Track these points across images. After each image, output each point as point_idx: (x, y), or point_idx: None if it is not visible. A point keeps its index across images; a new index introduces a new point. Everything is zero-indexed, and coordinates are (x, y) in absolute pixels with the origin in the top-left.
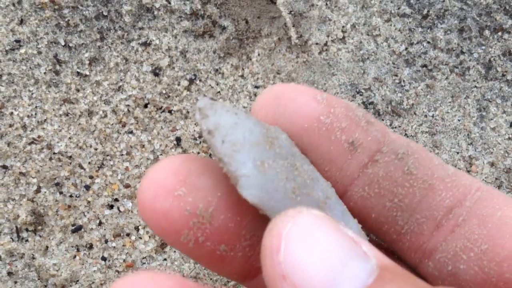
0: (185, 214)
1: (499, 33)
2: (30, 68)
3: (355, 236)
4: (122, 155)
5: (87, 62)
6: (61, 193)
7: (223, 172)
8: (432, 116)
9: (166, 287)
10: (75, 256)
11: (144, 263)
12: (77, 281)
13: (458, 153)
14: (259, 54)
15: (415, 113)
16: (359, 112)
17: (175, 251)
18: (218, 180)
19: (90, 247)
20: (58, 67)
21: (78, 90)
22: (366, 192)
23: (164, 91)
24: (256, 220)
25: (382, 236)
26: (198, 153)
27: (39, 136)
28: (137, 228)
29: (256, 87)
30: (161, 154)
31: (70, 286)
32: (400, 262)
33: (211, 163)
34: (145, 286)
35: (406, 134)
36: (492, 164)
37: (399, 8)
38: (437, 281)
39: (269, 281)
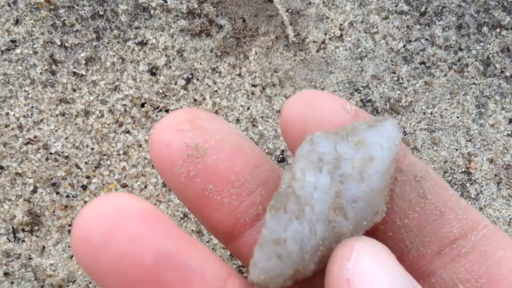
0: (182, 145)
1: (497, 30)
2: (26, 68)
3: (408, 274)
4: (119, 154)
5: (83, 62)
6: (57, 193)
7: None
8: (431, 113)
9: (138, 207)
10: (72, 256)
11: None
12: (74, 281)
13: (457, 149)
14: (256, 53)
15: (413, 110)
16: None
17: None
18: (222, 129)
19: None
20: (54, 67)
21: (74, 90)
22: None
23: (161, 91)
24: (246, 173)
25: (387, 244)
26: None
27: (35, 136)
28: None
29: (254, 85)
30: None
31: (67, 286)
32: None
33: (221, 118)
34: (120, 205)
35: (405, 132)
36: (491, 161)
37: (396, 6)
38: None
39: (333, 284)
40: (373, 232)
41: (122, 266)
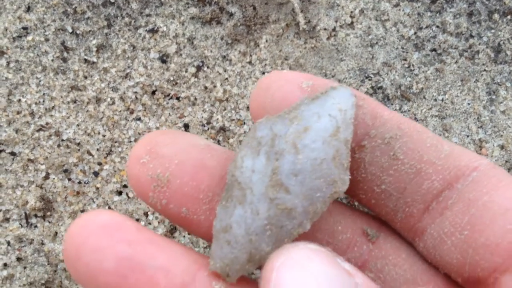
0: (147, 178)
1: (508, 17)
2: (38, 55)
3: (352, 269)
4: (130, 141)
5: (95, 49)
6: (69, 179)
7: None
8: (442, 100)
9: (101, 221)
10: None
11: None
12: None
13: (468, 136)
14: (267, 41)
15: (424, 97)
16: None
17: (184, 236)
18: (180, 150)
19: None
20: (65, 54)
21: (85, 77)
22: (353, 177)
23: (171, 78)
24: (213, 187)
25: (379, 215)
26: (206, 138)
27: (47, 123)
28: (146, 214)
29: (264, 73)
30: None
31: None
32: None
33: (181, 136)
34: (87, 221)
35: (416, 118)
36: (502, 147)
37: None
38: (427, 260)
39: None
40: (359, 201)
41: (90, 273)
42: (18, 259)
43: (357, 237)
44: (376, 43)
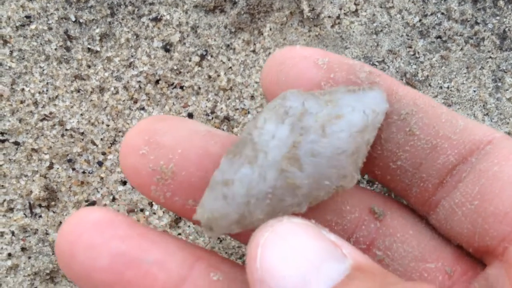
0: (149, 171)
1: None
2: (41, 44)
3: (338, 240)
4: None
5: (98, 38)
6: (73, 169)
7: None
8: (447, 88)
9: (93, 218)
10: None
11: None
12: None
13: None
14: (270, 29)
15: (430, 85)
16: (362, 73)
17: (189, 226)
18: (182, 138)
19: None
20: (69, 43)
21: (89, 66)
22: (369, 154)
23: (175, 67)
24: None
25: (393, 190)
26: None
27: (50, 113)
28: (151, 204)
29: None
30: None
31: None
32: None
33: (180, 122)
34: (80, 218)
35: None
36: (508, 134)
37: None
38: (440, 233)
39: (250, 286)
40: (374, 177)
41: (85, 271)
42: (23, 249)
43: (364, 216)
44: (381, 30)
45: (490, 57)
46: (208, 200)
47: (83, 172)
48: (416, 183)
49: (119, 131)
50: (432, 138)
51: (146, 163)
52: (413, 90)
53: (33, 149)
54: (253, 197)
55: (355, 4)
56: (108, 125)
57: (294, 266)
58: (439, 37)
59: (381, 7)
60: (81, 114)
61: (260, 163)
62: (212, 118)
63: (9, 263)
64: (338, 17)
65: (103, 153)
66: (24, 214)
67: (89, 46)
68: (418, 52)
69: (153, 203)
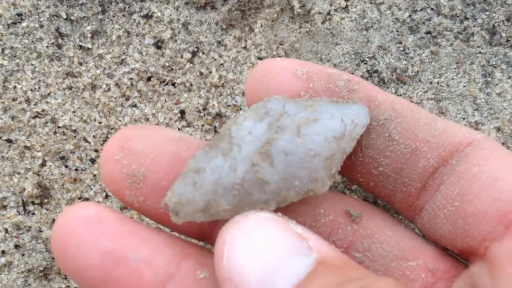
0: (122, 176)
1: None
2: (32, 41)
3: (304, 232)
4: None
5: (89, 35)
6: (66, 166)
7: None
8: (437, 83)
9: (84, 214)
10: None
11: None
12: None
13: (464, 118)
14: (261, 25)
15: (420, 80)
16: (340, 81)
17: None
18: (155, 144)
19: None
20: (60, 40)
21: (80, 64)
22: (352, 161)
23: (167, 64)
24: None
25: (378, 196)
26: (203, 125)
27: (43, 110)
28: None
29: (259, 58)
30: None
31: None
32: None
33: (154, 129)
34: (73, 214)
35: (411, 102)
36: (498, 129)
37: None
38: (425, 237)
39: (219, 284)
40: (358, 184)
41: (77, 267)
42: (16, 246)
43: (340, 218)
44: (371, 26)
45: (480, 52)
46: (178, 186)
47: (76, 169)
48: (399, 188)
49: (111, 128)
50: (411, 142)
51: (120, 168)
52: (391, 96)
53: (25, 147)
54: (221, 187)
55: (345, 0)
56: (100, 122)
57: (259, 262)
58: (429, 32)
59: (371, 3)
60: (73, 112)
61: (233, 155)
62: (204, 115)
63: (2, 260)
64: (328, 13)
65: (96, 150)
66: (18, 211)
67: (80, 44)
68: (408, 48)
69: None
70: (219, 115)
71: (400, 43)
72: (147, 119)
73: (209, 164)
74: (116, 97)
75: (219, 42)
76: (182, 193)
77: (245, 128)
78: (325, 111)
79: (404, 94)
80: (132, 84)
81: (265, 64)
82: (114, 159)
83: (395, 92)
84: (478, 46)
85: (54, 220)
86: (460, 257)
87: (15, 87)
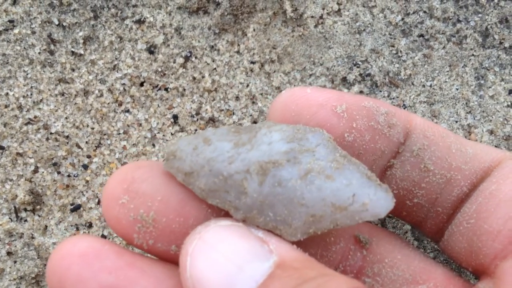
0: (130, 220)
1: (495, 0)
2: (25, 48)
3: (265, 236)
4: (119, 134)
5: (82, 41)
6: (59, 172)
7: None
8: (430, 86)
9: (79, 249)
10: (74, 235)
11: None
12: None
13: (457, 121)
14: (254, 30)
15: (413, 84)
16: (380, 117)
17: None
18: (160, 184)
19: (90, 225)
20: (52, 46)
21: (73, 70)
22: None
23: (159, 69)
24: (201, 219)
25: (407, 223)
26: (196, 130)
27: (35, 117)
28: None
29: (252, 62)
30: (158, 132)
31: None
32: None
33: (157, 167)
34: (67, 249)
35: (404, 105)
36: (491, 132)
37: None
38: (448, 256)
39: None
40: (392, 211)
41: None
42: (8, 253)
43: (350, 245)
44: (364, 30)
45: (473, 54)
46: (183, 141)
47: (68, 176)
48: (432, 216)
49: (104, 134)
50: (446, 172)
51: (127, 212)
52: (422, 121)
53: (18, 153)
54: (210, 167)
55: (337, 3)
56: (93, 128)
57: (220, 272)
58: (421, 35)
59: (363, 6)
60: (66, 118)
61: (240, 150)
62: (197, 120)
63: None
64: (321, 17)
65: (88, 156)
66: (10, 218)
67: (72, 50)
68: (401, 51)
69: None
70: (212, 119)
71: (393, 46)
72: (140, 124)
73: (218, 142)
74: (108, 103)
75: (212, 46)
76: (181, 148)
77: (271, 137)
78: (347, 177)
79: (397, 97)
80: (124, 90)
81: (296, 97)
82: (120, 202)
83: (388, 96)
84: (471, 49)
85: (46, 227)
86: (475, 275)
87: (7, 93)
